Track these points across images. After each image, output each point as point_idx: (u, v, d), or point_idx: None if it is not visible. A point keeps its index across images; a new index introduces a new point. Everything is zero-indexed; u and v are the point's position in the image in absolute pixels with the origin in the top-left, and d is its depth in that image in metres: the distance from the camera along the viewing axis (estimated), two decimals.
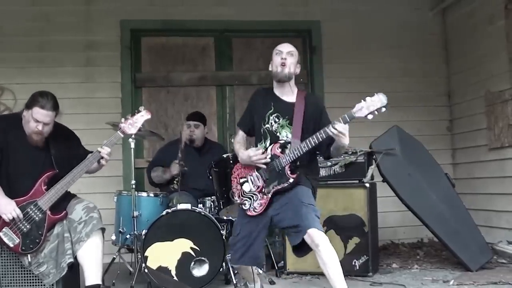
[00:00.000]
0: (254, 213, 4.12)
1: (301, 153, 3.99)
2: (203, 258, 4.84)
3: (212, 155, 5.79)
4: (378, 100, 3.83)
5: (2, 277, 4.23)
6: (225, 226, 5.30)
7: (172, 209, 4.99)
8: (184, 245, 4.84)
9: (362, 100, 3.84)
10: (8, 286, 4.23)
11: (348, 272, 5.20)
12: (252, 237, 4.15)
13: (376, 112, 3.82)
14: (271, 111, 4.23)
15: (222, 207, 5.05)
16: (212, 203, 5.33)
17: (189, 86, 7.21)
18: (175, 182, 5.84)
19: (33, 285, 4.24)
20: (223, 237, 4.90)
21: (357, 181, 5.56)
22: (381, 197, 5.81)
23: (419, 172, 5.77)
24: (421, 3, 7.54)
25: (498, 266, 5.73)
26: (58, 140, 4.40)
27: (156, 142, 6.70)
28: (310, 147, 3.95)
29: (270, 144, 4.16)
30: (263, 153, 4.11)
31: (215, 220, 4.97)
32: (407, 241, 7.06)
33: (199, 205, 5.27)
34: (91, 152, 4.37)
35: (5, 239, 4.12)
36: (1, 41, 6.61)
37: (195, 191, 5.72)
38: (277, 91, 4.30)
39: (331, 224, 5.47)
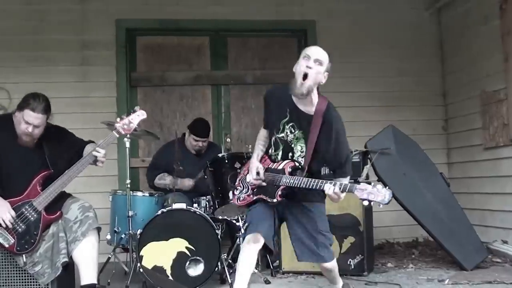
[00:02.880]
0: (238, 203, 4.15)
1: (298, 187, 3.76)
2: (198, 257, 4.83)
3: (208, 155, 5.79)
4: (382, 195, 3.57)
5: None
6: (220, 225, 5.30)
7: (167, 208, 4.99)
8: (179, 244, 4.84)
9: (371, 183, 3.61)
10: (3, 285, 4.22)
11: (343, 271, 5.21)
12: (266, 212, 4.00)
13: (372, 203, 3.59)
14: (286, 119, 3.95)
15: (217, 206, 5.07)
16: (207, 203, 5.33)
17: (184, 85, 7.20)
18: (167, 188, 5.83)
19: (28, 285, 4.22)
20: (219, 236, 4.90)
21: (352, 181, 5.53)
22: None
23: (414, 171, 5.78)
24: (417, 2, 7.55)
25: (493, 265, 5.74)
26: (52, 141, 4.39)
27: (151, 141, 6.70)
28: (306, 187, 3.74)
29: (282, 154, 3.98)
30: (265, 172, 3.99)
31: (210, 220, 4.97)
32: (402, 241, 7.07)
33: (194, 205, 5.27)
34: (88, 142, 4.38)
35: (0, 239, 4.11)
36: None
37: (189, 191, 5.72)
38: (295, 98, 3.91)
39: None
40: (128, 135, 4.95)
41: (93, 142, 4.50)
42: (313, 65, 3.78)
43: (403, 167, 5.75)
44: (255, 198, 4.05)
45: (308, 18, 7.29)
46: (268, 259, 5.61)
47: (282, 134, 3.98)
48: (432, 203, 5.71)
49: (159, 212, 4.96)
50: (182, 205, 4.97)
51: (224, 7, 7.10)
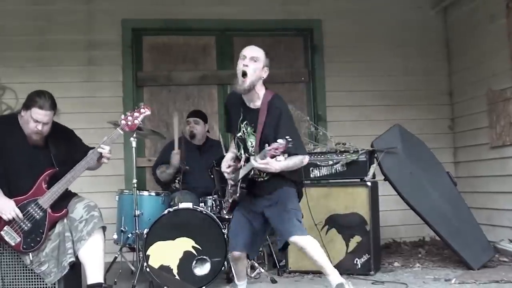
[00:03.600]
0: (225, 213, 4.44)
1: (248, 172, 4.05)
2: (204, 257, 4.84)
3: (213, 153, 5.80)
4: (283, 146, 3.71)
5: (4, 276, 4.23)
6: (226, 225, 5.29)
7: (173, 208, 4.99)
8: (186, 244, 4.85)
9: (278, 141, 3.72)
10: (9, 285, 4.23)
11: (350, 270, 5.23)
12: (241, 223, 4.26)
13: (277, 156, 3.80)
14: (241, 118, 4.21)
15: (223, 206, 5.06)
16: (213, 202, 5.34)
17: (190, 85, 7.21)
18: (176, 181, 5.84)
19: (34, 284, 4.24)
20: (225, 236, 4.89)
21: (359, 180, 5.56)
22: (382, 195, 5.82)
23: (421, 170, 5.77)
24: (423, 1, 7.53)
25: (500, 264, 5.72)
26: (57, 139, 4.40)
27: (157, 141, 6.70)
28: (249, 169, 4.03)
29: (243, 151, 4.21)
30: (233, 171, 4.26)
31: (217, 219, 4.97)
32: (409, 240, 7.06)
33: (201, 204, 5.27)
34: (92, 148, 4.38)
35: (7, 238, 4.13)
36: (2, 40, 6.61)
37: (196, 190, 5.73)
38: (245, 97, 4.21)
39: (333, 223, 5.48)
40: (134, 134, 4.96)
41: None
42: (249, 63, 4.07)
43: (410, 166, 5.74)
44: (230, 200, 4.23)
45: (314, 17, 7.28)
46: (275, 259, 5.61)
47: (240, 133, 4.23)
48: (439, 202, 5.70)
49: (166, 211, 4.96)
50: (189, 205, 4.98)
51: (230, 7, 7.10)
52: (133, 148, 5.27)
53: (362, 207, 5.45)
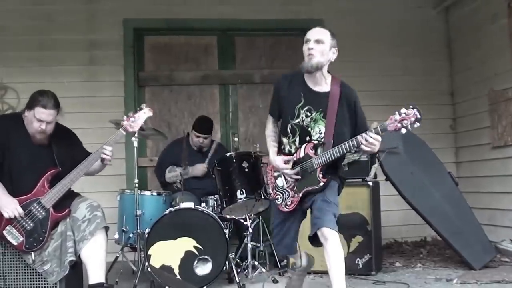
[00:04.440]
0: (286, 209, 4.05)
1: (333, 158, 3.83)
2: (206, 256, 4.84)
3: (214, 156, 5.80)
4: (412, 115, 3.70)
5: (6, 275, 4.23)
6: (228, 225, 5.31)
7: (175, 208, 4.99)
8: (187, 243, 4.85)
9: (396, 112, 3.69)
10: (12, 284, 4.23)
11: (351, 271, 5.22)
12: (285, 227, 4.12)
13: (409, 127, 3.68)
14: (301, 104, 3.97)
15: (225, 205, 5.07)
16: (215, 202, 5.35)
17: (192, 85, 7.21)
18: (178, 181, 5.83)
19: (37, 283, 4.24)
20: (226, 235, 4.90)
21: (360, 180, 5.56)
22: (384, 195, 5.82)
23: (422, 170, 5.77)
24: (424, 1, 7.53)
25: (501, 264, 5.72)
26: (60, 139, 4.41)
27: (159, 141, 6.70)
28: (341, 154, 3.81)
29: (300, 139, 3.98)
30: (292, 167, 3.98)
31: (218, 219, 4.97)
32: (410, 240, 7.06)
33: (202, 204, 5.28)
34: (92, 153, 4.37)
35: (9, 237, 4.13)
36: (4, 40, 6.62)
37: (197, 190, 5.73)
38: (308, 81, 3.99)
39: None
40: (136, 134, 4.97)
41: None
42: (314, 45, 3.91)
43: (411, 166, 5.74)
44: (301, 194, 4.00)
45: (315, 17, 7.26)
46: (276, 259, 5.61)
47: (298, 120, 3.99)
48: (440, 202, 5.70)
49: (167, 211, 4.97)
50: (190, 204, 4.98)
51: (231, 7, 7.10)
52: (135, 148, 5.27)
53: (364, 207, 5.45)
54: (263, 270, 5.27)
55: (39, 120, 4.19)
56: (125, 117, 4.38)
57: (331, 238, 3.82)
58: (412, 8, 7.47)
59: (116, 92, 6.84)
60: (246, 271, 5.18)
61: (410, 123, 3.68)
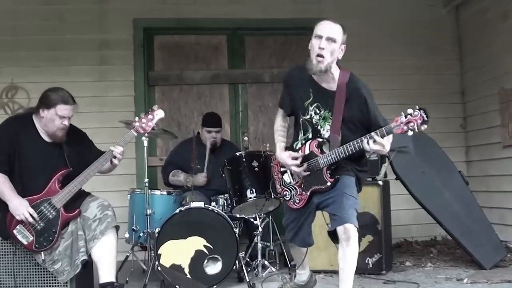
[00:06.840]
0: (295, 206, 4.02)
1: (339, 158, 3.76)
2: (216, 256, 4.84)
3: (225, 153, 5.79)
4: (419, 116, 3.55)
5: (17, 274, 4.26)
6: (238, 224, 5.30)
7: (185, 207, 5.00)
8: (197, 243, 4.85)
9: (402, 114, 3.58)
10: (23, 282, 4.26)
11: (362, 270, 5.21)
12: (300, 222, 4.07)
13: (416, 130, 3.54)
14: (309, 100, 3.91)
15: (235, 205, 5.08)
16: (225, 201, 5.34)
17: (202, 84, 7.22)
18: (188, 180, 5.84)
19: (47, 283, 4.27)
20: (236, 235, 4.90)
21: (370, 179, 5.54)
22: (394, 195, 5.80)
23: (433, 170, 5.76)
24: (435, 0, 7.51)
25: None
26: (71, 139, 4.43)
27: (169, 140, 6.72)
28: (347, 154, 3.72)
29: (312, 135, 3.94)
30: (301, 163, 3.92)
31: (228, 218, 4.97)
32: (421, 239, 7.04)
33: (212, 203, 5.28)
34: (104, 152, 4.39)
35: (19, 237, 4.16)
36: (15, 40, 6.66)
37: (208, 189, 5.73)
38: (316, 77, 3.89)
39: None
40: (146, 134, 4.98)
41: None
42: (326, 44, 3.77)
43: (421, 166, 5.73)
44: (309, 192, 3.97)
45: (325, 16, 7.19)
46: (286, 258, 5.60)
47: (307, 117, 3.96)
48: (451, 201, 5.69)
49: (177, 210, 4.96)
50: (200, 204, 4.97)
51: (241, 6, 7.11)
52: (145, 148, 5.28)
53: (374, 207, 5.43)
54: (273, 269, 5.27)
55: (62, 117, 4.23)
56: (136, 118, 4.40)
57: (353, 237, 3.78)
58: (422, 7, 7.45)
59: (126, 91, 6.86)
60: (256, 270, 5.17)
61: (417, 125, 3.55)
